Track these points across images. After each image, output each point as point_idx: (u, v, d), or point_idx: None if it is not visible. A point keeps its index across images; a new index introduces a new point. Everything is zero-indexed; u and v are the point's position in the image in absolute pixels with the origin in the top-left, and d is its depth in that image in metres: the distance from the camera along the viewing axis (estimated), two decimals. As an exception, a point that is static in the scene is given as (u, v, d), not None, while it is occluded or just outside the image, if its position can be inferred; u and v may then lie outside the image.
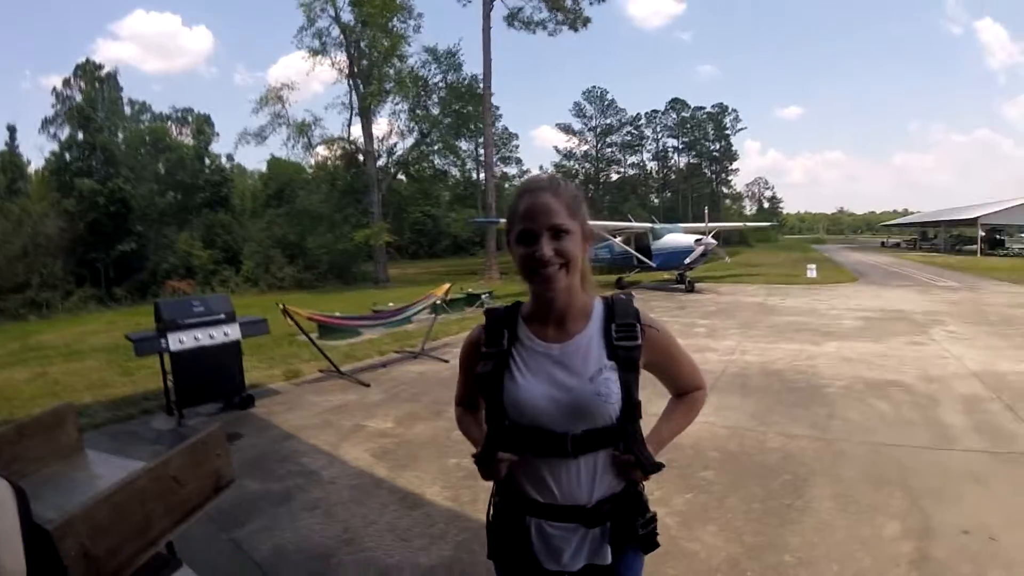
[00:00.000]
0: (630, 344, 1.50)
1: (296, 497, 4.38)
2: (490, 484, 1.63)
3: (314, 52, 33.21)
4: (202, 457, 2.80)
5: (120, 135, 44.03)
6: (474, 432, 1.75)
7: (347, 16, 32.71)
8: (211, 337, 6.67)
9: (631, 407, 1.49)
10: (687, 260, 19.09)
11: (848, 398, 6.29)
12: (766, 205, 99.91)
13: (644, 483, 1.58)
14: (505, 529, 1.58)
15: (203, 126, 47.70)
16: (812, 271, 22.68)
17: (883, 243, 72.79)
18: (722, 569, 3.14)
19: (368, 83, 32.71)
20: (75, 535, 2.09)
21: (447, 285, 10.32)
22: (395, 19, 32.73)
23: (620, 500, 1.53)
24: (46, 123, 45.33)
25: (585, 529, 1.50)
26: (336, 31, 33.08)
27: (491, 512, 1.66)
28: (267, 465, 5.09)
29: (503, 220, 22.62)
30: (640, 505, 1.57)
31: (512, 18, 34.32)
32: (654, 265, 20.67)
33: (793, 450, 4.83)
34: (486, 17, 31.95)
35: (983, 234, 42.27)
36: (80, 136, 36.46)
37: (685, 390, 1.75)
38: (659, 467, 1.52)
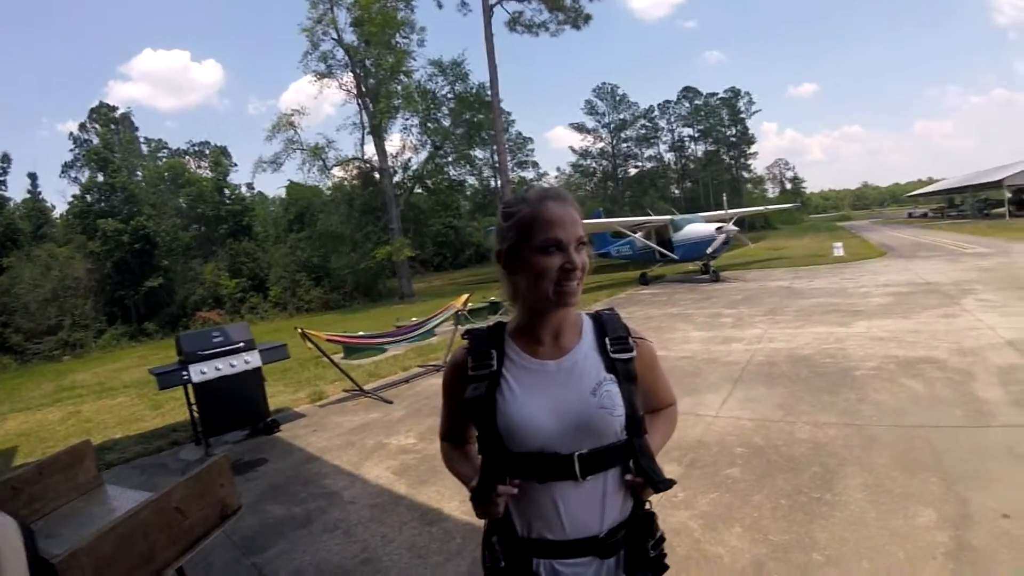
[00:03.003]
0: (626, 356, 1.45)
1: (317, 519, 4.37)
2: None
3: (320, 75, 33.56)
4: (206, 488, 2.82)
5: (139, 173, 45.04)
6: (464, 468, 1.61)
7: (350, 37, 33.02)
8: (232, 366, 6.72)
9: (636, 420, 1.42)
10: (709, 249, 18.85)
11: (879, 379, 6.10)
12: (788, 186, 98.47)
13: (650, 500, 1.48)
14: (510, 573, 1.43)
15: (220, 158, 48.71)
16: (839, 250, 22.28)
17: (910, 214, 71.76)
18: (747, 573, 3.03)
19: (377, 101, 32.89)
20: (79, 567, 2.19)
21: (465, 295, 10.28)
22: (397, 35, 32.97)
23: (632, 524, 1.45)
24: (66, 168, 46.98)
25: (600, 561, 1.41)
26: (340, 53, 33.40)
27: (488, 557, 1.49)
28: (290, 489, 5.09)
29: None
30: (651, 526, 1.48)
31: (514, 23, 34.26)
32: (676, 257, 20.44)
33: (822, 440, 4.68)
34: (487, 24, 31.92)
35: (1010, 196, 41.23)
36: (100, 178, 37.14)
37: (661, 405, 1.68)
38: (670, 484, 1.42)
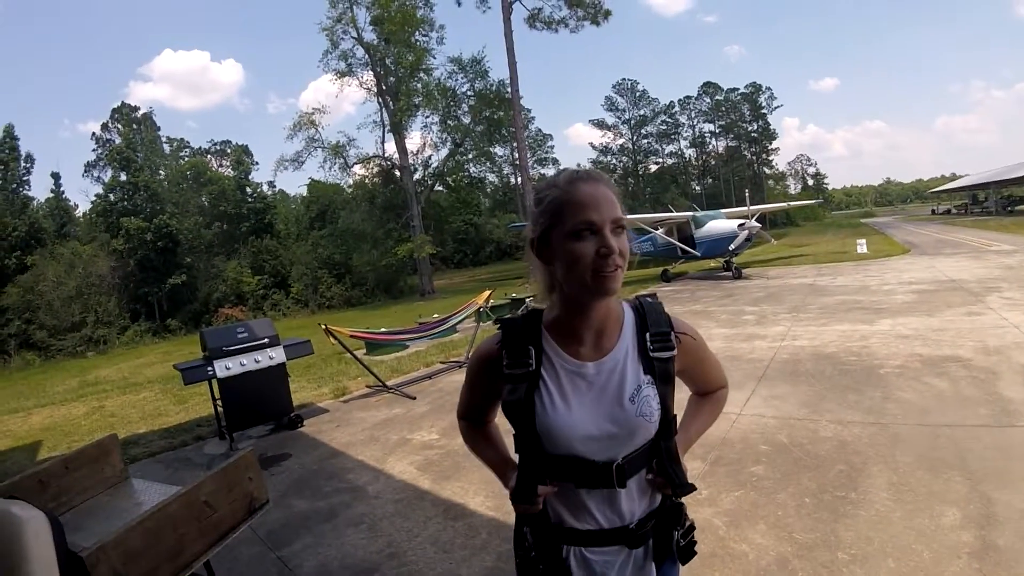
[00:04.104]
0: (666, 355, 1.39)
1: (341, 514, 4.40)
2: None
3: (341, 74, 33.85)
4: (233, 481, 2.84)
5: (162, 172, 45.57)
6: (489, 454, 1.66)
7: (369, 36, 33.19)
8: (256, 361, 6.76)
9: (668, 423, 1.40)
10: (731, 246, 18.71)
11: (904, 378, 6.03)
12: (810, 183, 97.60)
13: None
14: (539, 565, 1.45)
15: (241, 156, 49.16)
16: (862, 246, 22.05)
17: (933, 211, 70.94)
18: (771, 570, 3.01)
19: (397, 99, 33.01)
20: (107, 561, 2.18)
21: (487, 292, 10.29)
22: (417, 33, 33.09)
23: (660, 514, 1.45)
24: (88, 167, 47.63)
25: (629, 550, 1.42)
26: (360, 51, 33.58)
27: (521, 546, 1.52)
28: (314, 483, 5.12)
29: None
30: (679, 516, 1.49)
31: (533, 19, 34.29)
32: (698, 254, 20.27)
33: (847, 438, 4.64)
34: (507, 21, 31.93)
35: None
36: (123, 177, 37.70)
37: (710, 390, 1.66)
38: (691, 489, 1.43)
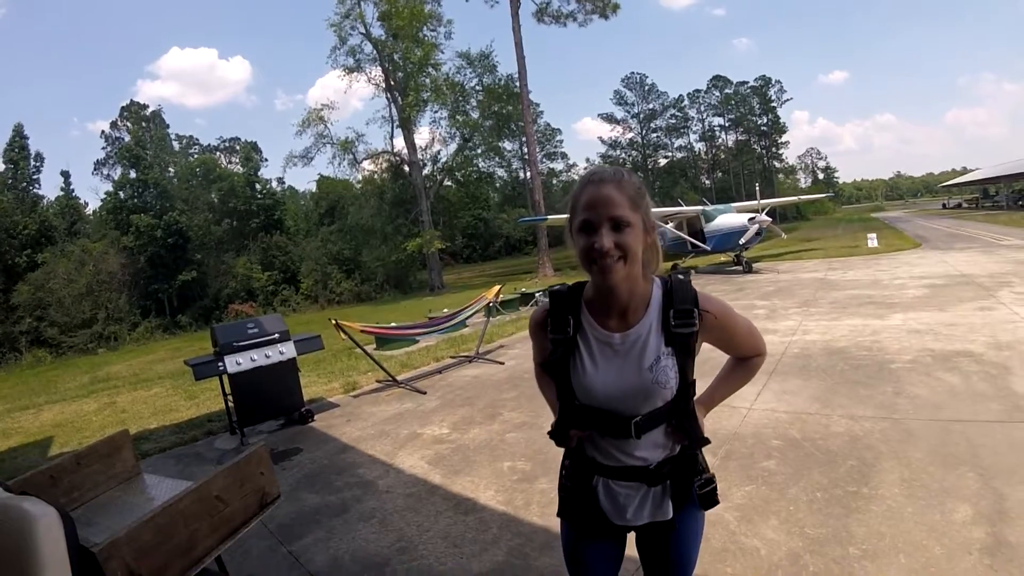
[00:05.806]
0: (687, 331, 1.57)
1: (352, 508, 4.40)
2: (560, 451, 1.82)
3: (349, 70, 33.93)
4: (245, 476, 2.84)
5: (171, 170, 45.72)
6: (549, 395, 1.90)
7: (377, 31, 33.19)
8: (267, 357, 6.76)
9: (686, 387, 1.60)
10: (742, 240, 18.61)
11: (915, 373, 5.99)
12: (820, 176, 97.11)
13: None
14: (575, 490, 1.75)
15: (250, 153, 49.20)
16: (873, 240, 21.91)
17: (944, 205, 70.46)
18: (783, 566, 3.00)
19: (405, 94, 33.01)
20: (120, 556, 2.18)
21: (497, 287, 10.27)
22: (425, 28, 33.07)
23: (677, 461, 1.67)
24: (98, 165, 48.10)
25: (647, 488, 1.65)
26: (368, 47, 33.60)
27: (563, 475, 1.82)
28: (325, 478, 5.13)
29: (550, 217, 22.65)
30: (696, 466, 1.69)
31: (541, 13, 34.31)
32: (708, 248, 20.20)
33: (858, 433, 4.61)
34: (515, 15, 31.91)
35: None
36: (132, 174, 37.90)
37: (745, 356, 1.84)
38: (706, 442, 1.69)
